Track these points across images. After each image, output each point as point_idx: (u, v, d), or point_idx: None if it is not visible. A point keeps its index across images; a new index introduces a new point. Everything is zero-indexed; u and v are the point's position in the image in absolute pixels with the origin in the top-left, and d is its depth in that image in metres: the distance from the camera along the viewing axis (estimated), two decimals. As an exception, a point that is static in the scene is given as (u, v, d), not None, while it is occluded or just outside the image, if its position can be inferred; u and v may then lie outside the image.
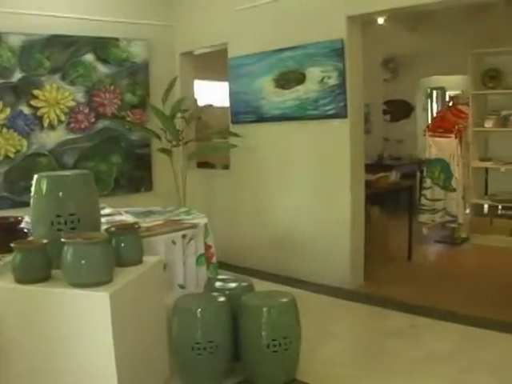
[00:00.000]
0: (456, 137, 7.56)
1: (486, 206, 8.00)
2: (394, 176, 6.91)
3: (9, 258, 3.13)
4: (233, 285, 4.05)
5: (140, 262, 3.36)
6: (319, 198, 5.83)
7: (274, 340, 3.50)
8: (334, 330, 4.59)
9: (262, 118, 6.29)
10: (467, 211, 7.77)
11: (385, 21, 7.77)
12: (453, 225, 7.68)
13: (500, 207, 7.78)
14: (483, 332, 4.43)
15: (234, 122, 6.65)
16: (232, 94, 6.62)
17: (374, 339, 4.43)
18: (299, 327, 3.67)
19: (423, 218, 7.84)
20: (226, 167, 7.12)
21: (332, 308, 5.19)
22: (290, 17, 5.87)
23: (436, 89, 11.17)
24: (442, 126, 7.78)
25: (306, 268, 5.92)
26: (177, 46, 7.25)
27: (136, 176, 6.98)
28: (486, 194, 7.96)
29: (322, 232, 5.81)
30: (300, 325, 3.68)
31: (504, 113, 7.61)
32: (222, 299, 3.69)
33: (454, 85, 9.87)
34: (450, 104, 8.14)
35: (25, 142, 6.07)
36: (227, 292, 3.89)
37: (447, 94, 10.40)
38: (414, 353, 4.07)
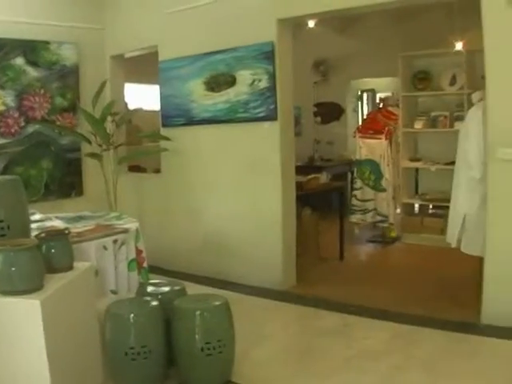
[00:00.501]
0: (386, 138, 7.72)
1: (416, 206, 8.21)
2: (324, 177, 7.00)
3: None
4: (165, 289, 4.01)
5: (71, 268, 3.29)
6: (250, 201, 5.84)
7: (207, 343, 3.48)
8: (267, 331, 4.60)
9: (192, 121, 6.26)
10: (398, 211, 7.93)
11: (315, 24, 7.84)
12: (384, 224, 7.84)
13: (431, 206, 7.98)
14: (415, 329, 4.52)
15: (164, 126, 6.60)
16: (163, 97, 6.57)
17: (307, 339, 4.47)
18: (233, 330, 3.67)
19: (354, 218, 7.97)
20: (158, 171, 7.07)
21: (265, 309, 5.20)
22: (220, 20, 5.86)
23: (366, 91, 11.37)
24: (372, 127, 7.92)
25: (238, 270, 5.93)
26: (107, 48, 7.15)
27: (67, 181, 6.84)
28: (416, 193, 8.15)
29: (254, 234, 5.82)
30: (233, 327, 3.68)
31: (433, 114, 7.80)
32: (154, 303, 3.65)
33: (385, 87, 10.06)
34: (381, 106, 8.30)
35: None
36: (159, 296, 3.85)
37: (377, 95, 10.57)
38: (347, 351, 4.12)
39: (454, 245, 5.05)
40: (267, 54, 5.49)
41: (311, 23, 7.78)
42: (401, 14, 7.69)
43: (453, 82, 7.62)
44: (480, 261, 4.69)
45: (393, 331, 4.52)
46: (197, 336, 3.49)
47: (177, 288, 4.05)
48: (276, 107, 5.53)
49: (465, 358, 3.96)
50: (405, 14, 7.68)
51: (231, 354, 3.66)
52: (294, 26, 5.80)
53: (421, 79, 7.94)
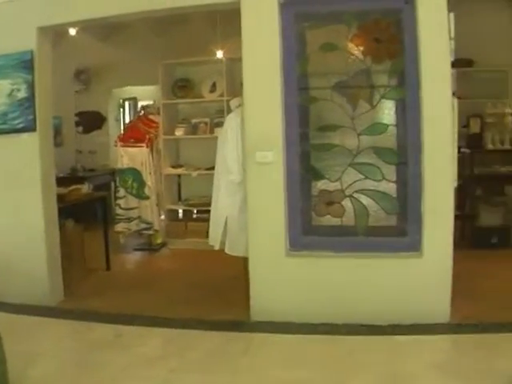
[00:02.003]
0: (147, 146, 7.75)
1: (180, 211, 8.34)
2: (86, 188, 6.87)
3: None
4: None
5: None
6: (11, 215, 5.50)
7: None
8: (40, 349, 4.36)
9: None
10: (162, 217, 8.00)
11: (77, 32, 7.64)
12: (149, 232, 7.84)
13: (195, 211, 8.16)
14: (188, 332, 4.60)
15: None
16: None
17: (82, 353, 4.31)
18: (2, 351, 3.41)
19: (119, 227, 7.87)
20: None
21: (35, 327, 4.92)
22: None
23: (128, 99, 11.33)
24: (133, 135, 7.90)
25: (2, 289, 5.56)
26: None
27: None
28: (179, 199, 8.28)
29: (17, 251, 5.48)
30: (3, 349, 3.42)
31: (194, 121, 8.00)
32: None
33: (146, 95, 10.11)
34: (141, 114, 8.29)
35: None
36: None
37: (139, 104, 10.58)
38: (123, 361, 4.06)
39: (217, 247, 5.20)
40: (26, 63, 5.24)
41: (73, 31, 7.57)
42: (163, 22, 7.79)
43: (213, 89, 7.88)
44: (245, 261, 4.89)
45: (166, 336, 4.55)
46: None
47: None
48: (35, 118, 5.29)
49: (238, 355, 4.11)
50: (168, 22, 7.79)
51: (3, 378, 3.41)
52: (54, 34, 5.61)
53: (181, 87, 8.09)
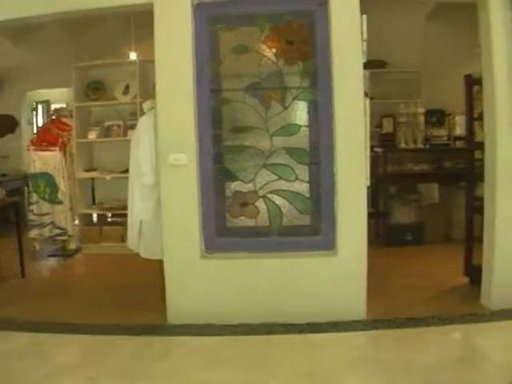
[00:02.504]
0: (60, 149, 7.54)
1: (95, 216, 8.17)
2: (-1, 193, 6.64)
3: None
4: None
5: None
6: None
7: None
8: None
9: None
10: (76, 222, 7.82)
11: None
12: (63, 237, 7.63)
13: (109, 215, 8.01)
14: (106, 338, 4.50)
15: None
16: None
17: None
18: None
19: (33, 233, 7.64)
20: None
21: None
22: None
23: (41, 102, 11.06)
24: (45, 139, 7.67)
25: None
26: None
27: None
28: (93, 203, 8.12)
29: None
30: None
31: (107, 124, 7.87)
32: None
33: (60, 98, 9.90)
34: (54, 117, 8.08)
35: None
36: None
37: (52, 107, 10.33)
38: (42, 370, 3.93)
39: (136, 250, 5.16)
40: None
41: (-18, 33, 7.33)
42: (75, 25, 7.64)
43: (126, 91, 7.77)
44: (161, 264, 4.84)
45: (84, 343, 4.44)
46: None
47: None
48: None
49: (157, 359, 4.07)
50: (81, 24, 7.63)
51: None
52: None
53: (94, 89, 7.94)
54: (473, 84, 5.51)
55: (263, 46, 4.69)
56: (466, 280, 5.63)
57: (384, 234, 7.62)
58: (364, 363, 3.90)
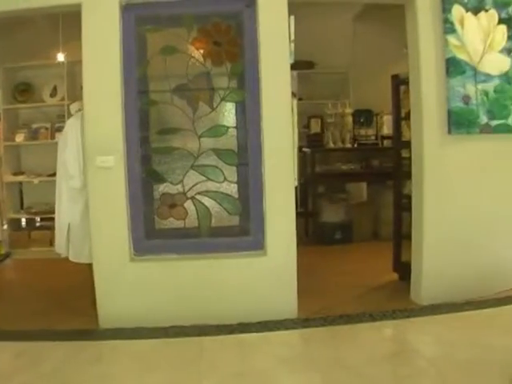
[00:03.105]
0: (-13, 153, 7.37)
1: (23, 220, 8.00)
2: None
3: None
4: None
5: None
6: None
7: None
8: None
9: None
10: (5, 227, 7.64)
11: None
12: (-9, 242, 7.47)
13: (38, 219, 7.86)
14: (38, 344, 4.40)
15: None
16: None
17: None
18: None
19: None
20: None
21: None
22: None
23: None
24: (-29, 142, 7.48)
25: None
26: None
27: None
28: (21, 207, 7.93)
29: None
30: None
31: (35, 126, 7.69)
32: None
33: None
34: (-20, 120, 7.87)
35: None
36: None
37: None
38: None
39: (64, 254, 5.09)
40: None
41: None
42: (3, 25, 7.43)
43: (54, 93, 7.63)
44: (90, 268, 4.78)
45: (16, 350, 4.30)
46: None
47: None
48: None
49: (91, 364, 4.02)
50: (8, 25, 7.43)
51: None
52: None
53: (22, 91, 7.76)
54: (400, 84, 5.63)
55: (191, 47, 4.67)
56: (395, 276, 5.75)
57: (313, 234, 7.72)
58: (297, 361, 3.95)
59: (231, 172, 4.69)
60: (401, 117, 5.71)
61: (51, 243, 6.30)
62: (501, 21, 4.87)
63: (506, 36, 4.87)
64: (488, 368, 3.60)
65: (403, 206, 5.59)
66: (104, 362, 4.12)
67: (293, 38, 4.64)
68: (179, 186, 4.68)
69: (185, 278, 4.66)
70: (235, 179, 4.70)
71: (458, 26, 4.78)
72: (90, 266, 4.80)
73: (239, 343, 4.31)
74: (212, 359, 4.02)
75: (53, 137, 7.46)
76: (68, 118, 6.09)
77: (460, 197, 4.92)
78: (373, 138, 8.01)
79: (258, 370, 3.83)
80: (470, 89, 4.81)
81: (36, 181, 7.49)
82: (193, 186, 4.68)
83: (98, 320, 4.71)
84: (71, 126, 5.01)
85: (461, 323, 4.51)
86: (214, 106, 4.67)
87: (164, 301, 4.67)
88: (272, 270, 4.66)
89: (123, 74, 4.58)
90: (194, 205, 4.69)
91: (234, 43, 4.65)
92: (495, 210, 5.01)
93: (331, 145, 7.67)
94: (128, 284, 4.67)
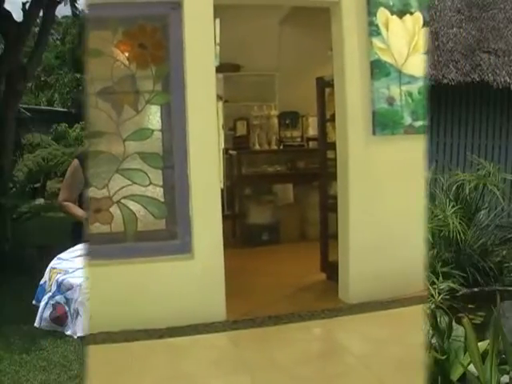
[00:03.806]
0: None
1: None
2: None
3: None
4: None
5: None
6: None
7: None
8: None
9: None
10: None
11: None
12: None
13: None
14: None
15: None
16: None
17: None
18: None
19: None
20: None
21: None
22: None
23: None
24: None
25: None
26: None
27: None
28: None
29: None
30: None
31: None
32: None
33: None
34: None
35: None
36: None
37: None
38: None
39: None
40: None
41: None
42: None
43: None
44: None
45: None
46: None
47: None
48: None
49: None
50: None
51: None
52: None
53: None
54: (325, 86, 5.71)
55: (116, 50, 4.61)
56: (323, 276, 5.81)
57: (241, 235, 7.71)
58: (227, 364, 3.97)
59: (157, 175, 4.65)
60: (326, 118, 5.78)
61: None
62: (426, 23, 5.00)
63: (430, 38, 4.99)
64: (416, 365, 3.66)
65: (329, 206, 5.66)
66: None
67: (218, 40, 4.64)
68: (104, 191, 4.60)
69: (111, 283, 4.56)
70: (161, 182, 4.66)
71: (383, 29, 4.88)
72: None
73: (169, 347, 4.28)
74: (142, 364, 3.99)
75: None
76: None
77: (386, 197, 5.01)
78: (299, 139, 8.07)
79: (188, 373, 3.83)
80: (395, 90, 4.91)
81: None
82: (118, 190, 4.61)
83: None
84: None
85: (388, 321, 4.60)
86: (139, 109, 4.62)
87: (90, 307, 4.57)
88: (199, 272, 4.64)
89: (47, 76, 4.49)
90: (120, 209, 4.62)
91: (159, 46, 4.63)
92: (422, 210, 5.11)
93: (257, 147, 7.70)
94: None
